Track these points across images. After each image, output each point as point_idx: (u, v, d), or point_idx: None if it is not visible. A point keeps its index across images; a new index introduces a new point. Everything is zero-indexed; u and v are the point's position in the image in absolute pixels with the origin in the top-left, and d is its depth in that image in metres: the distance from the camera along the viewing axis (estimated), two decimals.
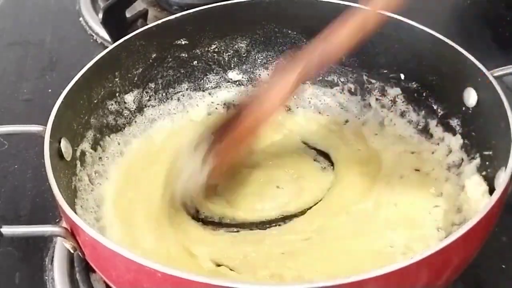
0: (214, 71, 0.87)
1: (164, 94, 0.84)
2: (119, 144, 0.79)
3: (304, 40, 0.86)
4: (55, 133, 0.65)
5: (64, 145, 0.67)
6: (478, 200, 0.64)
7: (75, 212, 0.59)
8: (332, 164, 0.79)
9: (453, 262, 0.55)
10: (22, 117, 0.93)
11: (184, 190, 0.72)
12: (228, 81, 0.88)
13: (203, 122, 0.84)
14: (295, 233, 0.70)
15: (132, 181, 0.76)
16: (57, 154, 0.66)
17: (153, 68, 0.83)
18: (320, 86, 0.87)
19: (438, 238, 0.66)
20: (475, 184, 0.66)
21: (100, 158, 0.76)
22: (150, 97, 0.83)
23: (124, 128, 0.80)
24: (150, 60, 0.82)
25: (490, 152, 0.67)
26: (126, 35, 0.79)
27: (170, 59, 0.84)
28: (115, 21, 0.90)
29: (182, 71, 0.85)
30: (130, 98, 0.81)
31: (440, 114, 0.77)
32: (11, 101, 0.96)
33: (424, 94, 0.79)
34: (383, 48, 0.81)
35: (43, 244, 0.74)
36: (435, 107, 0.78)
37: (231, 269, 0.66)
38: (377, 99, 0.84)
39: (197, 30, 0.84)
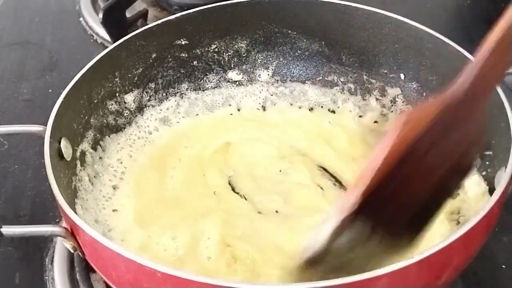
0: (214, 71, 0.87)
1: (164, 94, 0.84)
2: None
3: (304, 40, 0.86)
4: (55, 133, 0.65)
5: (64, 145, 0.67)
6: (478, 200, 0.64)
7: (75, 212, 0.59)
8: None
9: (453, 262, 0.55)
10: (22, 117, 0.92)
11: None
12: (228, 81, 0.88)
13: None
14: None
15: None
16: (57, 154, 0.66)
17: (153, 68, 0.83)
18: (320, 86, 0.87)
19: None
20: (475, 184, 0.66)
21: (100, 158, 0.76)
22: (150, 97, 0.83)
23: (124, 128, 0.80)
24: (150, 60, 0.82)
25: (490, 152, 0.67)
26: (126, 35, 0.79)
27: (170, 59, 0.84)
28: (115, 21, 0.90)
29: (182, 71, 0.85)
30: (130, 98, 0.81)
31: None
32: (11, 101, 0.96)
33: (424, 94, 0.79)
34: (383, 48, 0.82)
35: (43, 244, 0.74)
36: None
37: None
38: (377, 99, 0.84)
39: (197, 30, 0.84)
